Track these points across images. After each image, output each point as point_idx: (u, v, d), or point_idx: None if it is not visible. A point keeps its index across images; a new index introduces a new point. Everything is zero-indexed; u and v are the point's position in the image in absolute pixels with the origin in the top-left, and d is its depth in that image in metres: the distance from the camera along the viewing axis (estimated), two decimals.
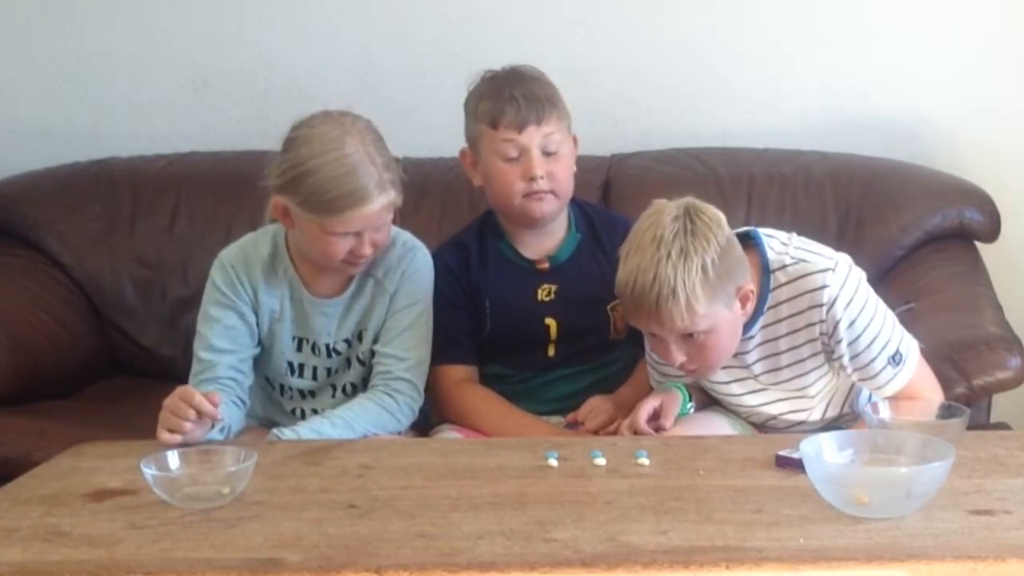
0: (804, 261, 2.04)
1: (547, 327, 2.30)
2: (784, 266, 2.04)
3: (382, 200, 2.09)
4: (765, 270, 2.04)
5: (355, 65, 3.11)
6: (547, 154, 2.22)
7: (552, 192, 2.23)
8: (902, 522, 1.52)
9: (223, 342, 2.17)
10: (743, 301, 1.99)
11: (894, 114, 3.07)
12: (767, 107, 3.10)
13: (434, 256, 2.30)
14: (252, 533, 1.56)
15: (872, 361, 2.03)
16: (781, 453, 1.76)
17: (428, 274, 2.25)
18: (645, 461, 1.81)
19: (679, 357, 1.99)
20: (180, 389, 1.96)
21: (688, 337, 1.96)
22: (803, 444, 1.63)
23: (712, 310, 1.93)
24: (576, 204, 2.37)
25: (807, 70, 3.09)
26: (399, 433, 2.17)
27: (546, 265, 2.32)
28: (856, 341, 2.02)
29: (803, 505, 1.59)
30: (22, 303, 2.83)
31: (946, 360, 2.33)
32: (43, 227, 3.00)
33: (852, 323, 2.01)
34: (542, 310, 2.30)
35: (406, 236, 2.27)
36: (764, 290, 2.04)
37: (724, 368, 2.11)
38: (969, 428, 1.88)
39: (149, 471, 1.67)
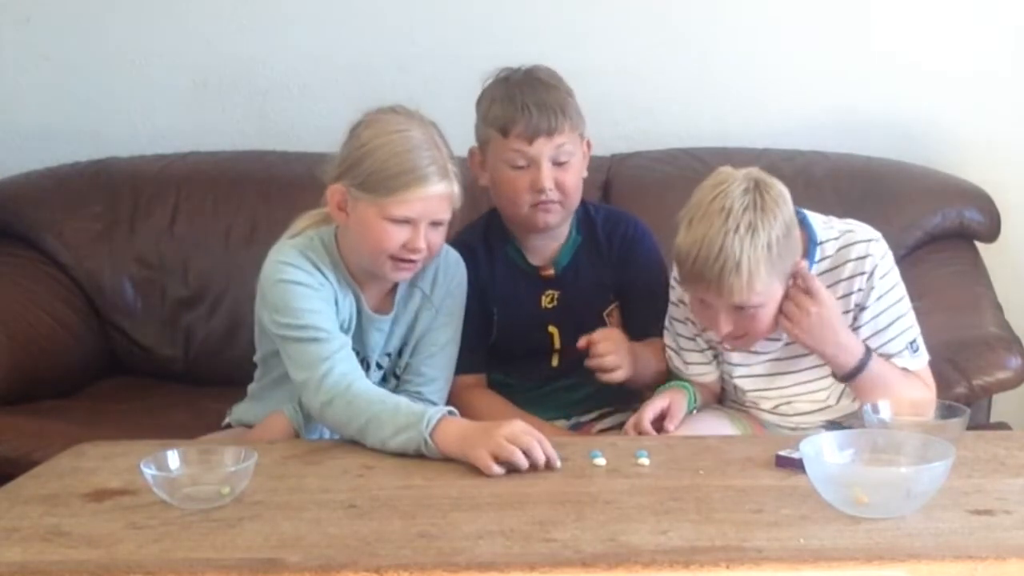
0: (850, 231, 2.08)
1: (550, 335, 2.28)
2: (830, 239, 2.08)
3: (443, 186, 2.02)
4: (812, 242, 2.07)
5: (355, 65, 3.11)
6: (557, 164, 2.19)
7: (559, 202, 2.21)
8: (902, 522, 1.52)
9: (334, 326, 2.04)
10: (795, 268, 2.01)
11: (894, 114, 3.07)
12: (767, 107, 3.10)
13: None
14: (252, 533, 1.56)
15: (891, 341, 2.05)
16: (781, 453, 1.76)
17: (465, 289, 2.21)
18: (645, 461, 1.81)
19: (726, 327, 1.99)
20: (524, 426, 1.82)
21: (739, 309, 1.97)
22: (803, 444, 1.63)
23: (770, 287, 1.95)
24: (581, 204, 2.33)
25: (807, 70, 3.09)
26: None
27: (551, 272, 2.30)
28: (879, 316, 2.04)
29: (803, 505, 1.59)
30: (22, 303, 2.83)
31: (946, 360, 2.34)
32: (43, 227, 3.00)
33: (881, 296, 2.04)
34: (545, 317, 2.29)
35: (446, 246, 2.20)
36: (810, 261, 2.05)
37: (746, 363, 2.14)
38: (969, 428, 1.88)
39: (149, 471, 1.67)
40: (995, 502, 1.60)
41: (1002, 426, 2.57)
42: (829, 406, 2.14)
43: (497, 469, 1.77)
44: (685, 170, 2.96)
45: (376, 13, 3.14)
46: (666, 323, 2.22)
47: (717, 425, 2.15)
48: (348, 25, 3.14)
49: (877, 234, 2.09)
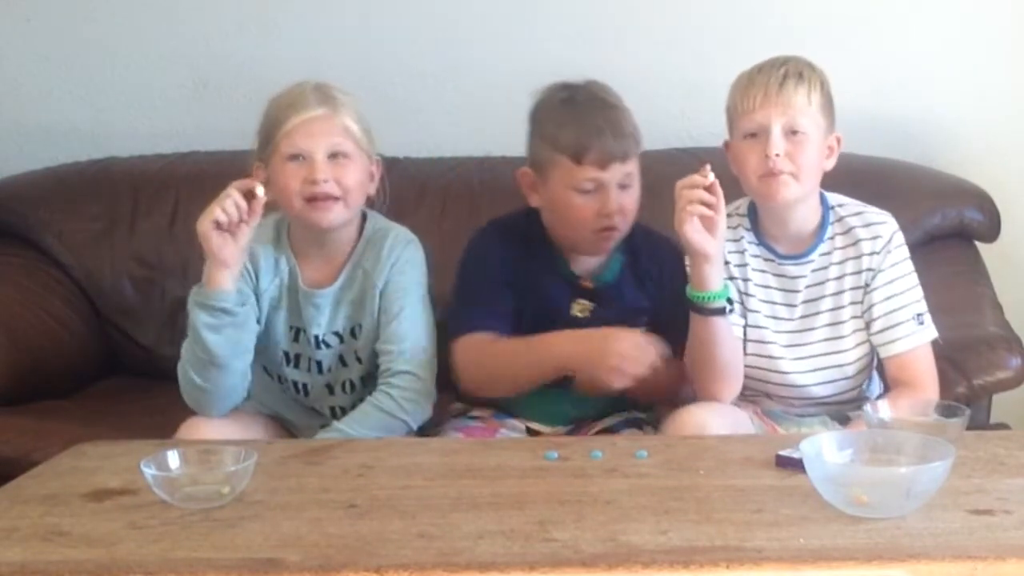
0: (863, 206, 2.19)
1: None
2: (843, 204, 2.18)
3: (322, 110, 2.08)
4: (825, 206, 2.16)
5: (355, 65, 3.11)
6: (621, 187, 2.16)
7: (620, 228, 2.17)
8: (902, 522, 1.52)
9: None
10: (830, 150, 2.13)
11: (895, 114, 3.07)
12: None
13: (486, 230, 2.25)
14: (252, 533, 1.56)
15: (901, 309, 2.13)
16: (781, 453, 1.76)
17: (419, 266, 2.21)
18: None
19: (779, 146, 2.04)
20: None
21: (791, 135, 2.04)
22: (803, 444, 1.63)
23: (818, 118, 2.06)
24: None
25: None
26: (410, 431, 2.15)
27: (590, 284, 2.24)
28: (893, 282, 2.12)
29: (803, 505, 1.59)
30: (22, 303, 2.83)
31: (946, 360, 2.34)
32: (43, 227, 3.00)
33: (896, 264, 2.13)
34: (573, 325, 2.19)
35: (400, 229, 2.23)
36: (824, 221, 2.14)
37: (770, 315, 2.16)
38: (969, 428, 1.88)
39: (149, 471, 1.67)
40: (995, 502, 1.60)
41: (1002, 427, 2.57)
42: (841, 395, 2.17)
43: (210, 225, 2.04)
44: (685, 170, 2.93)
45: (376, 12, 3.14)
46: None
47: (739, 418, 2.13)
48: (348, 26, 3.15)
49: (889, 215, 2.18)
